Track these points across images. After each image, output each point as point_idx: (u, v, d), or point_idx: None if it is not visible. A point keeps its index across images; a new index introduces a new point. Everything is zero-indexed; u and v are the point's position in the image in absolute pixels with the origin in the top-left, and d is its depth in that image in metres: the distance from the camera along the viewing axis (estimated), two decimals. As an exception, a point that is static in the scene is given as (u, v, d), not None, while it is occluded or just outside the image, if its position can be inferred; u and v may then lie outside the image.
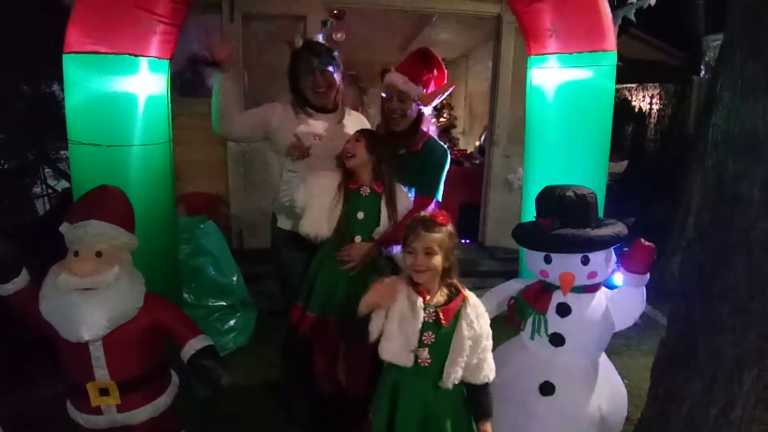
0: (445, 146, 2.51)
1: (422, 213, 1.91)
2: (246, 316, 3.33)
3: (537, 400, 1.99)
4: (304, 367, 2.49)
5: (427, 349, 1.67)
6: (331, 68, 2.35)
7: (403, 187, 2.32)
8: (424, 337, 1.67)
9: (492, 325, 1.79)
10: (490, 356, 1.73)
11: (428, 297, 1.71)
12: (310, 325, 2.23)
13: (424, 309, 1.68)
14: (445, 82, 2.45)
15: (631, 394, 2.22)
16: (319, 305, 2.23)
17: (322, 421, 2.50)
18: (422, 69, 2.39)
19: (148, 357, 1.81)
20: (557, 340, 1.98)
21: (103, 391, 1.73)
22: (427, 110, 2.41)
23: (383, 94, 2.43)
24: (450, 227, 1.75)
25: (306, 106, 2.37)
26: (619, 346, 3.23)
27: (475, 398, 1.76)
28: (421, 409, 1.71)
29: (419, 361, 1.67)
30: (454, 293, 1.74)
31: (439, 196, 2.45)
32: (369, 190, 2.22)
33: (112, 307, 1.67)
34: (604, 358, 2.15)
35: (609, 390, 2.08)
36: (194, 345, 1.79)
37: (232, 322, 3.24)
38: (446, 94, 2.53)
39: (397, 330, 1.67)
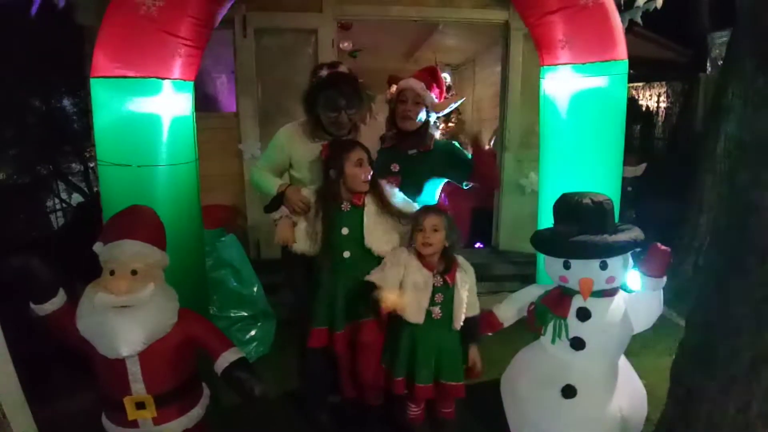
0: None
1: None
2: (266, 325, 3.37)
3: (559, 404, 2.03)
4: (323, 377, 2.55)
5: (438, 307, 2.15)
6: (355, 110, 2.35)
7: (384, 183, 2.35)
8: (435, 298, 2.15)
9: (511, 331, 2.31)
10: (475, 296, 2.24)
11: (434, 269, 2.15)
12: (318, 337, 2.31)
13: (433, 277, 2.14)
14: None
15: (649, 394, 2.25)
16: (322, 320, 2.31)
17: (342, 428, 2.56)
18: (431, 82, 2.63)
19: (182, 370, 1.86)
20: (578, 343, 2.03)
21: (140, 405, 1.78)
22: (434, 117, 2.67)
23: (387, 98, 2.67)
24: (448, 214, 2.19)
25: (320, 130, 2.38)
26: (635, 346, 3.23)
27: (470, 328, 2.22)
28: (436, 350, 2.19)
29: (433, 316, 2.15)
30: (451, 261, 2.18)
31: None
32: (349, 205, 2.26)
33: (149, 324, 1.73)
34: (623, 360, 2.19)
35: (629, 391, 2.11)
36: (228, 357, 1.85)
37: (253, 332, 3.30)
38: (456, 105, 2.84)
39: (412, 297, 2.12)
